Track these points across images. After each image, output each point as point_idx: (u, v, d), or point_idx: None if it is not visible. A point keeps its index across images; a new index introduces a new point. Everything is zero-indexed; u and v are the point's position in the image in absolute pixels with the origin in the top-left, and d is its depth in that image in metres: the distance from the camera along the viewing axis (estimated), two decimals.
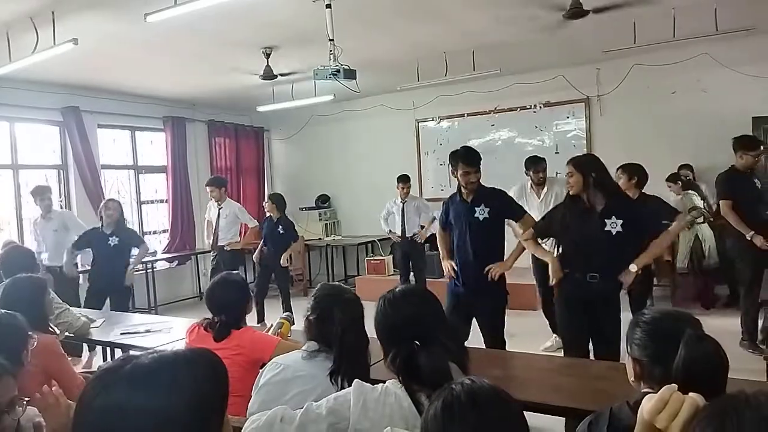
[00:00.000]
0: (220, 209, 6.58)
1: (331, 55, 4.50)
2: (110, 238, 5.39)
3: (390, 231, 7.02)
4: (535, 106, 7.65)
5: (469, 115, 8.11)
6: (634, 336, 1.45)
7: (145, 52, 5.53)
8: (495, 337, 3.63)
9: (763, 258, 4.50)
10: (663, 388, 0.98)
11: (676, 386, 0.98)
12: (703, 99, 6.56)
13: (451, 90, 7.70)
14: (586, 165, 3.24)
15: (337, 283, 2.12)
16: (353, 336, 1.81)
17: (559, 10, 4.75)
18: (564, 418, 2.69)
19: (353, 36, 5.07)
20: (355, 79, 4.78)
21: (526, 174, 5.31)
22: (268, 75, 6.06)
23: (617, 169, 4.53)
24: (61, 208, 6.77)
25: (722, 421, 0.78)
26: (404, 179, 6.87)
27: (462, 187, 3.68)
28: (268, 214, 6.36)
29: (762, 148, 4.81)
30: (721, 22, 5.04)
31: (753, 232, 4.52)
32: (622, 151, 6.97)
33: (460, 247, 3.71)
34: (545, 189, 5.21)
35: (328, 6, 4.19)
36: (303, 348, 1.91)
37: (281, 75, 6.34)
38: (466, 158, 3.59)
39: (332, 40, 4.42)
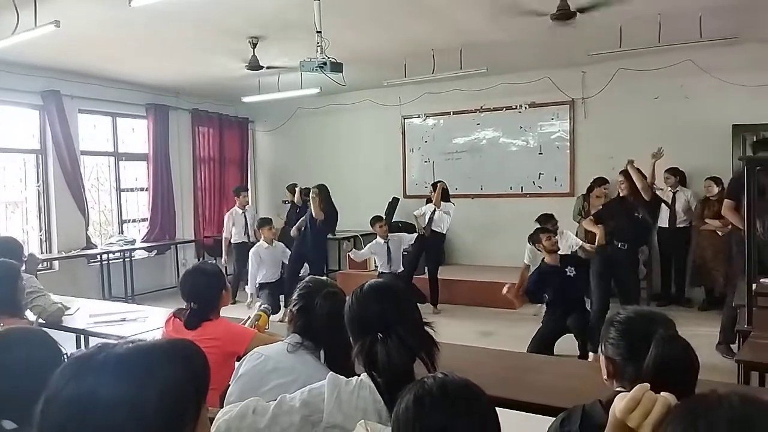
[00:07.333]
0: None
1: (318, 48, 4.46)
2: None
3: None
4: (520, 106, 7.68)
5: (455, 113, 8.11)
6: (609, 335, 1.46)
7: (129, 37, 5.43)
8: None
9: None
10: (635, 387, 0.98)
11: (649, 385, 0.98)
12: (686, 105, 6.63)
13: (437, 87, 7.70)
14: None
15: (324, 277, 2.11)
16: (335, 329, 1.81)
17: (546, 12, 4.77)
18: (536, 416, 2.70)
19: (341, 29, 5.03)
20: (342, 72, 4.75)
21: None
22: (254, 65, 5.99)
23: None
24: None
25: (693, 420, 0.79)
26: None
27: None
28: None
29: None
30: (706, 30, 5.11)
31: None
32: (605, 155, 7.07)
33: None
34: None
35: None
36: (286, 340, 1.90)
37: (268, 68, 6.28)
38: None
39: (320, 32, 4.38)
